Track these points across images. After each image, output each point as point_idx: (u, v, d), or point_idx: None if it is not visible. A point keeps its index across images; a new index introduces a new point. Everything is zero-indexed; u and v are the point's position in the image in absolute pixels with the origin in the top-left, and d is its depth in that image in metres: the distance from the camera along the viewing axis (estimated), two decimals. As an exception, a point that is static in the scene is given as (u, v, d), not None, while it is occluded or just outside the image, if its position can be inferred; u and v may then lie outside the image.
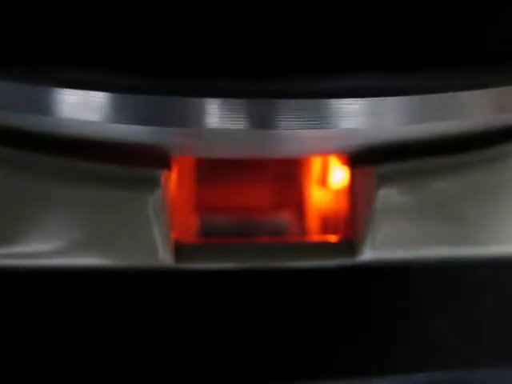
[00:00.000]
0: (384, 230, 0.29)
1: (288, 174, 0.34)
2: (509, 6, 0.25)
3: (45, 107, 0.24)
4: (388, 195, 0.28)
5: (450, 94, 0.25)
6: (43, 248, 0.28)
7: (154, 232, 0.28)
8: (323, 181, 0.34)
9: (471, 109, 0.25)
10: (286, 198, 0.34)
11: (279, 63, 0.24)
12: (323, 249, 0.30)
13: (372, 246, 0.29)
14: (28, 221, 0.28)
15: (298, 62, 0.24)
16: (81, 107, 0.24)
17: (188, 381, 0.27)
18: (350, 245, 0.29)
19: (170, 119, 0.24)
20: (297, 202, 0.34)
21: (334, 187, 0.33)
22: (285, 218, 0.34)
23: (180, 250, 0.29)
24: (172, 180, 0.29)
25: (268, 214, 0.34)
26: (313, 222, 0.34)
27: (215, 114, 0.24)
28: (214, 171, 0.34)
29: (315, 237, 0.33)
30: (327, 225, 0.33)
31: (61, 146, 0.28)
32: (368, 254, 0.29)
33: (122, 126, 0.25)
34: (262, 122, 0.24)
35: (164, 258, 0.28)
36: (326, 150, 0.30)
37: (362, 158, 0.29)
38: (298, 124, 0.24)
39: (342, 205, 0.32)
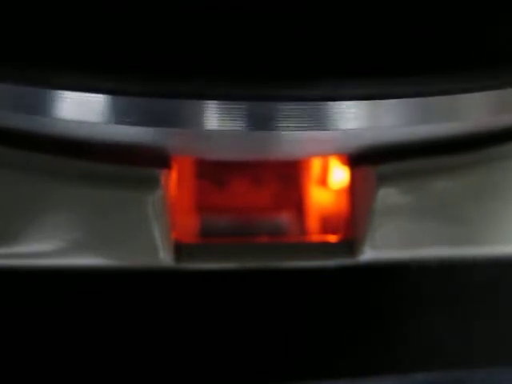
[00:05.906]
0: (384, 230, 0.29)
1: (288, 174, 0.34)
2: (507, 9, 0.25)
3: (46, 109, 0.24)
4: (388, 195, 0.28)
5: (448, 97, 0.25)
6: (43, 248, 0.28)
7: (154, 232, 0.28)
8: (323, 181, 0.34)
9: (470, 111, 0.25)
10: (286, 198, 0.34)
11: (279, 65, 0.24)
12: (323, 249, 0.30)
13: (372, 245, 0.29)
14: (28, 221, 0.28)
15: (297, 64, 0.24)
16: (81, 109, 0.24)
17: (188, 381, 0.27)
18: (349, 245, 0.29)
19: (170, 120, 0.24)
20: (297, 202, 0.34)
21: (334, 187, 0.33)
22: (285, 218, 0.34)
23: (180, 250, 0.29)
24: (172, 180, 0.29)
25: (268, 214, 0.34)
26: (313, 221, 0.34)
27: (215, 115, 0.24)
28: (214, 171, 0.34)
29: (315, 237, 0.33)
30: (327, 225, 0.33)
31: (61, 146, 0.28)
32: (368, 254, 0.29)
33: (122, 127, 0.25)
34: (261, 123, 0.24)
35: (164, 257, 0.28)
36: (325, 152, 0.30)
37: (362, 158, 0.29)
38: (297, 126, 0.24)
39: (342, 205, 0.32)
